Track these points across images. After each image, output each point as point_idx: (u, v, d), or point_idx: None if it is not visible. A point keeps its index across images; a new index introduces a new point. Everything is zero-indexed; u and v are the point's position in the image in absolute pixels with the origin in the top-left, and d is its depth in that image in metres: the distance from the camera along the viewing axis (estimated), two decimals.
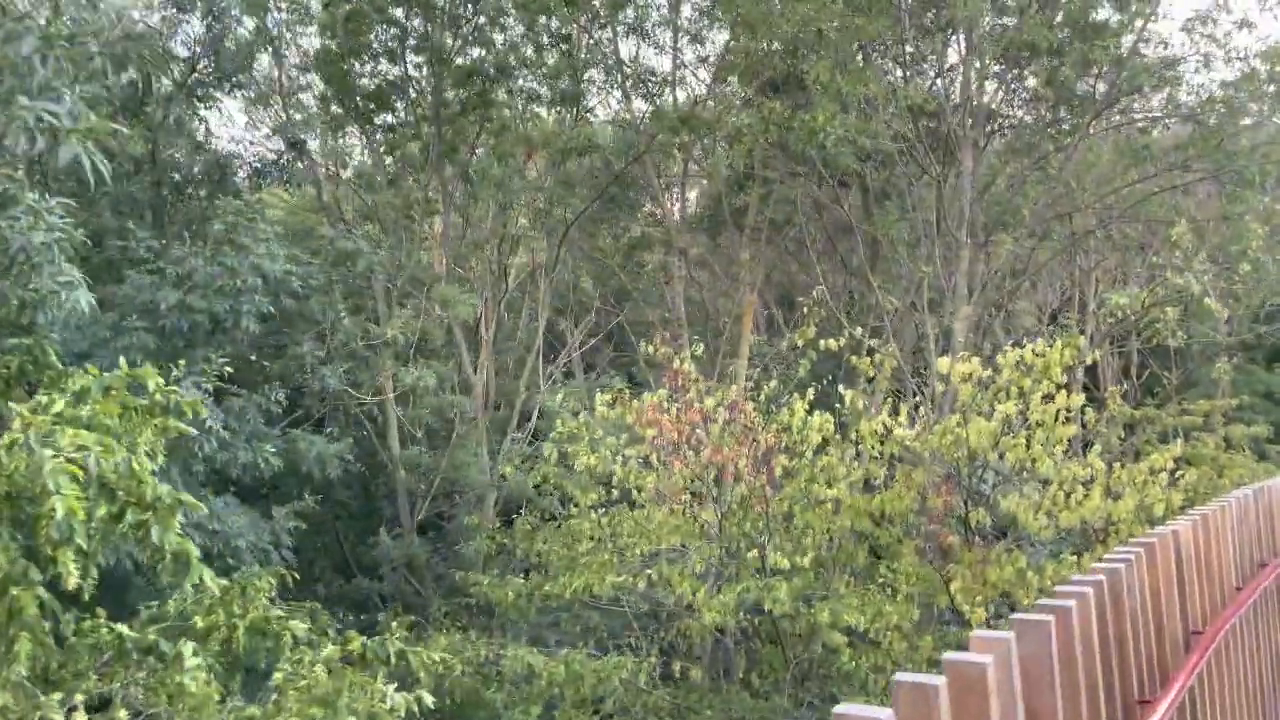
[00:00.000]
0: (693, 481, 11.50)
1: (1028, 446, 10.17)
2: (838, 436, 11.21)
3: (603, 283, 22.68)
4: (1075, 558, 9.82)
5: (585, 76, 17.84)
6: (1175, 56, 16.32)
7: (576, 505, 12.15)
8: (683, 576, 10.46)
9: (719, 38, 18.51)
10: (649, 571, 10.59)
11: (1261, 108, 16.38)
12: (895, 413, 10.85)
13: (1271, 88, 16.86)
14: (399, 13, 17.17)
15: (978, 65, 16.18)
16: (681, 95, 18.90)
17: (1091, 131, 19.28)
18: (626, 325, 23.02)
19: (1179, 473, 9.98)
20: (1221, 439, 19.53)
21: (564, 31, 17.31)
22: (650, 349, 11.56)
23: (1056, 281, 25.81)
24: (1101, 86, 17.48)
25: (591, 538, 11.49)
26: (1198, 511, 5.59)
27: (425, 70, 17.71)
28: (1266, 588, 6.59)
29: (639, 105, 19.08)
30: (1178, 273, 14.62)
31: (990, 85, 18.61)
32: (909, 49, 16.72)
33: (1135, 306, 15.98)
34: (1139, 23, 15.59)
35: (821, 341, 12.11)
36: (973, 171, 15.81)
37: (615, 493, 11.70)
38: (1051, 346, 10.16)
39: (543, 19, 16.94)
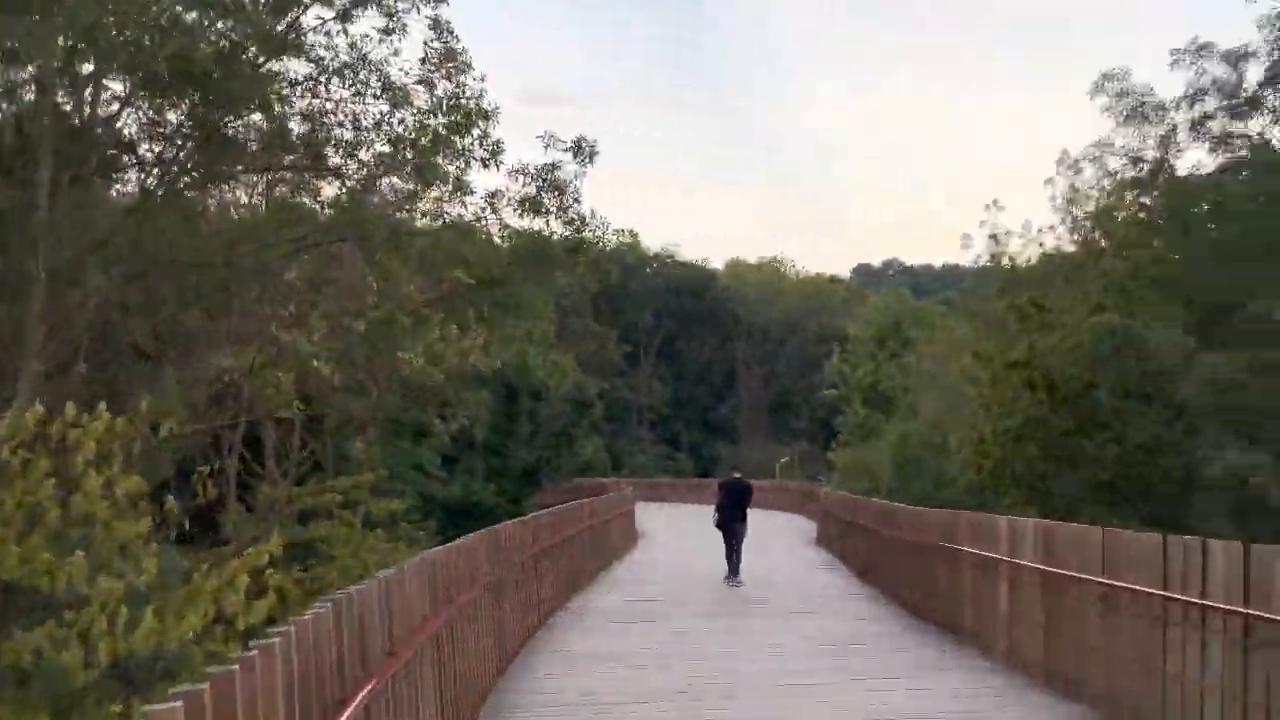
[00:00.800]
0: None
1: (65, 554, 7.28)
2: None
3: None
4: (116, 707, 7.11)
5: None
6: (316, 103, 15.38)
7: None
8: None
9: None
10: None
11: (403, 178, 16.33)
12: None
13: (413, 164, 17.02)
14: None
15: (64, 62, 12.97)
16: None
17: (252, 186, 17.54)
18: None
19: (270, 574, 8.00)
20: (365, 515, 18.94)
21: None
22: None
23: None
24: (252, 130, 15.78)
25: None
26: (236, 662, 3.35)
27: None
28: None
29: None
30: (286, 329, 13.16)
31: (118, 107, 15.64)
32: None
33: (243, 367, 14.06)
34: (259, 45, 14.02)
35: None
36: (65, 196, 12.45)
37: None
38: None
39: None
